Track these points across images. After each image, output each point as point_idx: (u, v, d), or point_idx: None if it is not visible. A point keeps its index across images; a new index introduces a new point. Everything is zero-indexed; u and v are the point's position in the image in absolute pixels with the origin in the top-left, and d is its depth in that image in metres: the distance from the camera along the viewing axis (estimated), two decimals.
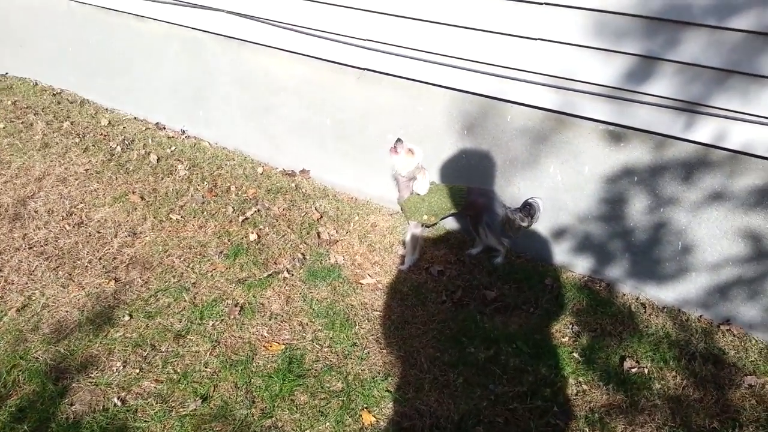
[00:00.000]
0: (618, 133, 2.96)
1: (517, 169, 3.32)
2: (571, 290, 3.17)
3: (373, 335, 2.84)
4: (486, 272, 3.29)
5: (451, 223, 3.70)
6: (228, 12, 3.99)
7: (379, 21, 3.39)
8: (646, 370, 2.67)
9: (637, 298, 3.16)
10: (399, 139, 3.08)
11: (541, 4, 2.88)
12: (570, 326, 2.94)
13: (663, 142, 2.87)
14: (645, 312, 3.05)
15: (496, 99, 3.22)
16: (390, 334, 2.85)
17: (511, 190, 3.38)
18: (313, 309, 3.00)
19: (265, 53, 4.00)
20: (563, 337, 2.88)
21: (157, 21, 4.41)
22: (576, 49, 2.89)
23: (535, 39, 2.97)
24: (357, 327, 2.89)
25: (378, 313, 2.99)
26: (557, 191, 3.23)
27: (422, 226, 3.31)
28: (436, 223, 3.37)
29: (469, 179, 3.46)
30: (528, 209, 3.13)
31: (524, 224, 3.15)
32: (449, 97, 3.38)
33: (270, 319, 2.92)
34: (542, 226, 3.35)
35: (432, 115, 3.49)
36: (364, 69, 3.63)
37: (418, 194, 3.16)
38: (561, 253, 3.37)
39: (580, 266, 3.33)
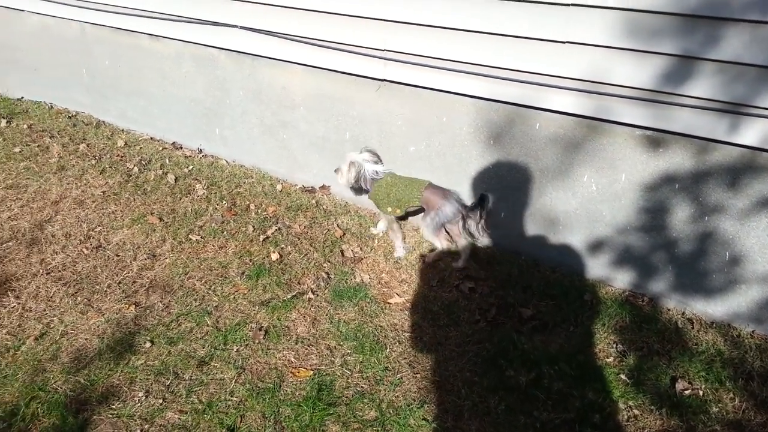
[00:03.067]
0: (656, 138, 2.80)
1: (549, 179, 3.17)
2: (612, 306, 3.00)
3: (405, 359, 2.70)
4: (520, 288, 3.13)
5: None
6: (242, 28, 3.91)
7: (398, 30, 3.28)
8: (700, 392, 2.49)
9: (683, 313, 2.98)
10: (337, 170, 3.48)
11: (568, 5, 2.76)
12: (614, 345, 2.78)
13: (705, 147, 2.71)
14: (693, 328, 2.88)
15: (524, 106, 3.09)
16: (423, 358, 2.70)
17: (543, 201, 3.24)
18: (341, 331, 2.86)
19: (281, 68, 3.91)
20: (608, 357, 2.71)
21: (171, 39, 4.35)
22: (607, 51, 2.75)
23: (563, 42, 2.84)
24: (388, 350, 2.74)
25: (409, 334, 2.85)
26: (592, 201, 3.08)
27: (393, 216, 3.45)
28: (404, 216, 3.51)
29: (498, 190, 3.33)
30: (481, 202, 3.16)
31: (476, 219, 3.20)
32: (474, 107, 3.25)
33: (296, 343, 2.79)
34: (577, 238, 3.20)
35: (456, 126, 3.36)
36: (383, 80, 3.52)
37: (374, 181, 3.40)
38: (599, 267, 3.21)
39: (619, 280, 3.17)
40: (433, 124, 3.45)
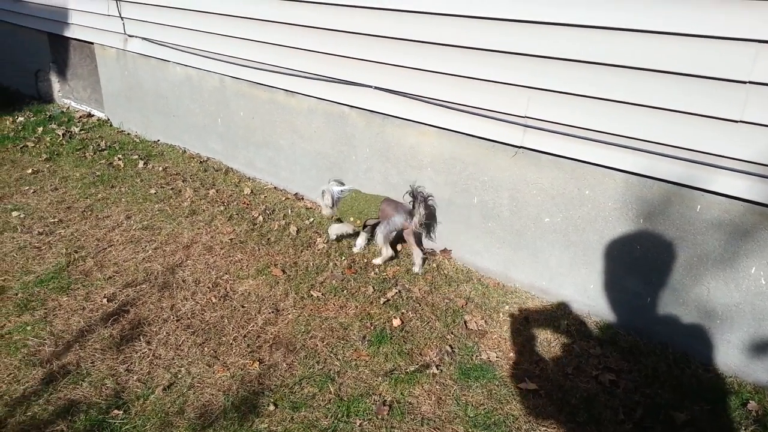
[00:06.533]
0: None
1: (707, 267, 2.87)
2: None
3: None
4: (669, 387, 2.81)
5: (611, 319, 3.27)
6: (375, 88, 3.95)
7: (541, 98, 3.15)
8: None
9: None
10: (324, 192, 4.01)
11: (745, 83, 2.52)
12: None
13: None
14: None
15: (684, 186, 2.84)
16: None
17: (698, 290, 2.92)
18: (469, 416, 2.67)
19: (411, 128, 3.89)
20: None
21: (305, 96, 4.49)
22: None
23: (737, 121, 2.59)
24: None
25: (545, 429, 2.60)
26: (760, 296, 2.73)
27: (354, 227, 4.01)
28: (364, 226, 3.96)
29: (644, 273, 3.06)
30: (413, 196, 3.65)
31: (422, 212, 3.68)
32: (623, 182, 3.04)
33: (422, 424, 2.62)
34: (739, 335, 2.84)
35: (601, 200, 3.15)
36: (520, 147, 3.39)
37: (344, 200, 3.99)
38: (764, 371, 2.82)
39: None
40: (573, 197, 3.25)
